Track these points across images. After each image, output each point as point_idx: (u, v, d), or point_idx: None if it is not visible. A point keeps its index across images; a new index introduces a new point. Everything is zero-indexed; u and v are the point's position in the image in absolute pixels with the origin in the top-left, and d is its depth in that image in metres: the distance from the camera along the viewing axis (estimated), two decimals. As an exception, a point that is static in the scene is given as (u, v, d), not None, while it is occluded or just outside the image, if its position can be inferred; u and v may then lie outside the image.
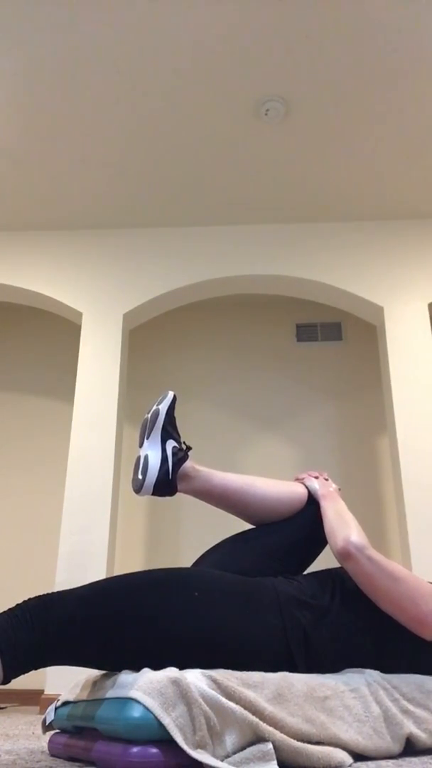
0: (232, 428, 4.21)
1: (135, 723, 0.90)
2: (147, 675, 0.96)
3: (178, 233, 3.83)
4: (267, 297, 4.45)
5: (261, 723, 0.94)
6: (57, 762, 1.10)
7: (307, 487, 1.47)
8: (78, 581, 2.87)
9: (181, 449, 1.41)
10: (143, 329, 4.50)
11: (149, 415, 1.44)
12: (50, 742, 1.20)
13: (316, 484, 1.47)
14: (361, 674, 1.15)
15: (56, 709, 1.22)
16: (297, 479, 1.53)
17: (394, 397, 3.34)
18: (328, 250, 3.72)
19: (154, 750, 0.89)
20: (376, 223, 3.77)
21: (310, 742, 0.98)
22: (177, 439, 1.43)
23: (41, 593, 1.08)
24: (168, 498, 3.96)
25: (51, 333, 4.53)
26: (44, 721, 1.26)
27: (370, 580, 1.20)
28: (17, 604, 1.03)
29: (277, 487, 1.45)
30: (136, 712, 0.91)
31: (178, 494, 1.41)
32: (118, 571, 3.62)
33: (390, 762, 1.01)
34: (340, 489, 1.50)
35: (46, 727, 1.25)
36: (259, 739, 0.94)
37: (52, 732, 1.33)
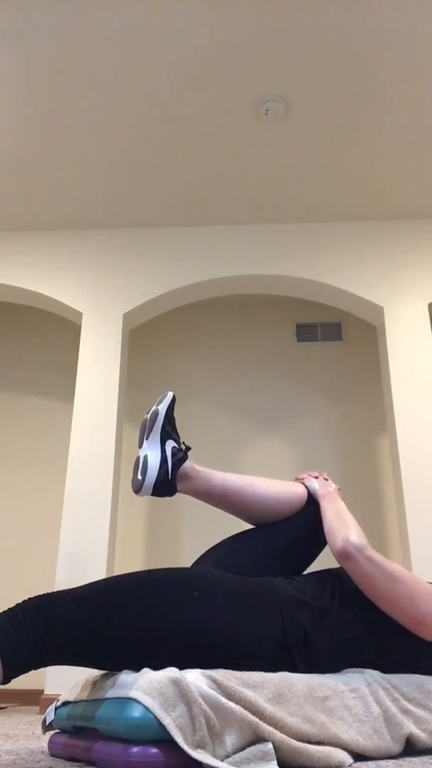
0: (232, 428, 4.21)
1: (135, 723, 0.90)
2: (147, 675, 0.96)
3: (178, 233, 3.83)
4: (267, 297, 4.45)
5: (261, 723, 0.94)
6: (57, 762, 1.10)
7: (306, 487, 1.47)
8: (78, 581, 2.87)
9: (180, 449, 1.41)
10: (143, 329, 4.50)
11: (149, 416, 1.44)
12: (50, 742, 1.20)
13: (315, 484, 1.47)
14: (361, 674, 1.15)
15: (56, 709, 1.22)
16: (297, 479, 1.53)
17: (394, 397, 3.34)
18: (328, 250, 3.72)
19: (154, 750, 0.89)
20: (376, 223, 3.77)
21: (310, 742, 0.98)
22: (176, 440, 1.42)
23: (41, 593, 1.08)
24: (168, 498, 3.95)
25: (51, 333, 4.53)
26: (44, 721, 1.26)
27: (369, 581, 1.20)
28: (17, 604, 1.03)
29: (277, 487, 1.45)
30: (136, 712, 0.91)
31: (178, 494, 1.41)
32: (118, 571, 3.62)
33: (390, 762, 1.01)
34: (339, 489, 1.50)
35: (46, 727, 1.25)
36: (259, 739, 0.94)
37: (52, 732, 1.33)
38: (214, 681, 0.96)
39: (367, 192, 3.55)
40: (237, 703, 0.95)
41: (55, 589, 3.11)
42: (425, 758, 1.05)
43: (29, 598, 1.04)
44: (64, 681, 2.84)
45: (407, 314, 3.53)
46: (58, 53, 2.72)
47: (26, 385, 4.40)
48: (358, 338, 4.42)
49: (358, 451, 4.11)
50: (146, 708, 0.91)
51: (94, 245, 3.83)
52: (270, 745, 0.92)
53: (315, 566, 1.44)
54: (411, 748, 1.09)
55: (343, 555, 1.23)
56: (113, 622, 1.03)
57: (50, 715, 1.23)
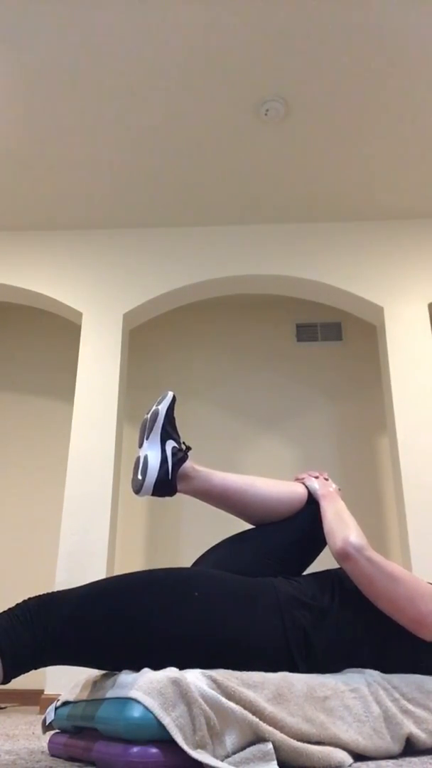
0: (232, 428, 4.21)
1: (135, 723, 0.90)
2: (147, 675, 0.96)
3: (178, 233, 3.83)
4: (267, 297, 4.45)
5: (261, 723, 0.94)
6: (57, 762, 1.10)
7: (306, 487, 1.47)
8: (78, 581, 2.87)
9: (180, 449, 1.41)
10: (143, 329, 4.50)
11: (149, 416, 1.44)
12: (50, 742, 1.20)
13: (315, 484, 1.47)
14: (361, 674, 1.15)
15: (56, 709, 1.22)
16: (297, 479, 1.53)
17: (394, 397, 3.34)
18: (328, 250, 3.72)
19: (154, 750, 0.89)
20: (376, 223, 3.77)
21: (310, 742, 0.98)
22: (177, 440, 1.42)
23: (41, 593, 1.08)
24: (168, 498, 3.96)
25: (51, 333, 4.53)
26: (44, 721, 1.26)
27: (368, 581, 1.20)
28: (17, 604, 1.03)
29: (277, 487, 1.45)
30: (136, 712, 0.91)
31: (178, 494, 1.40)
32: (118, 571, 3.62)
33: (390, 762, 1.01)
34: (340, 489, 1.50)
35: (46, 727, 1.26)
36: (259, 739, 0.94)
37: (52, 732, 1.33)
38: (214, 681, 0.96)
39: (367, 192, 3.55)
40: (237, 703, 0.95)
41: (55, 589, 3.11)
42: (425, 758, 1.05)
43: (29, 598, 1.05)
44: (64, 681, 2.84)
45: (407, 314, 3.53)
46: (58, 53, 2.72)
47: (26, 385, 4.40)
48: (358, 338, 4.42)
49: (358, 451, 4.11)
50: (146, 708, 0.91)
51: (94, 245, 3.83)
52: (270, 745, 0.92)
53: (315, 566, 1.44)
54: (411, 748, 1.09)
55: (342, 555, 1.23)
56: (113, 622, 1.03)
57: (50, 715, 1.23)
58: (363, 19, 2.57)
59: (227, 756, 0.91)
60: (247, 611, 1.13)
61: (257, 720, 0.94)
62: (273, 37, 2.65)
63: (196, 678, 0.96)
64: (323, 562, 1.51)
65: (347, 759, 0.98)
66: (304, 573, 1.38)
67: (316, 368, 4.35)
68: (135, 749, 0.89)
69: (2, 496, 4.09)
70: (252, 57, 2.74)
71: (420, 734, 1.08)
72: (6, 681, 0.99)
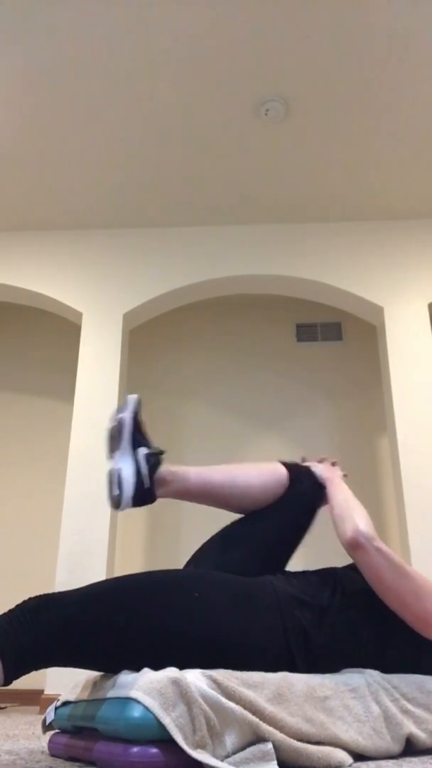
0: (232, 428, 4.21)
1: (135, 723, 0.90)
2: (147, 675, 0.96)
3: (178, 233, 3.83)
4: (267, 297, 4.45)
5: (261, 723, 0.94)
6: (57, 762, 1.10)
7: (296, 473, 1.43)
8: (78, 581, 2.88)
9: (153, 454, 1.35)
10: (143, 329, 4.50)
11: (114, 425, 1.37)
12: (50, 742, 1.20)
13: (319, 469, 1.46)
14: (361, 674, 1.15)
15: (56, 708, 1.22)
16: (302, 460, 1.53)
17: (394, 397, 3.34)
18: (328, 250, 3.72)
19: (154, 750, 0.89)
20: (376, 223, 3.77)
21: (310, 742, 0.98)
22: (148, 444, 1.36)
23: (41, 593, 1.08)
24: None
25: (51, 333, 4.53)
26: (44, 720, 1.26)
27: (377, 572, 1.19)
28: (17, 605, 1.03)
29: (258, 473, 1.40)
30: (136, 712, 0.91)
31: None
32: (118, 571, 3.62)
33: (390, 762, 1.01)
34: (346, 475, 1.49)
35: (46, 727, 1.26)
36: (259, 739, 0.94)
37: (52, 732, 1.33)
38: (214, 681, 0.97)
39: (367, 192, 3.55)
40: (237, 703, 0.95)
41: (55, 589, 3.11)
42: (425, 758, 1.05)
43: (29, 599, 1.04)
44: (64, 681, 2.84)
45: (407, 314, 3.53)
46: (58, 53, 2.72)
47: (26, 385, 4.40)
48: (358, 338, 4.42)
49: (358, 451, 4.11)
50: (146, 708, 0.91)
51: (94, 245, 3.83)
52: (270, 745, 0.92)
53: (315, 565, 1.44)
54: (411, 748, 1.09)
55: (353, 545, 1.22)
56: (113, 623, 1.03)
57: (50, 715, 1.23)
58: (363, 19, 2.57)
59: (227, 756, 0.91)
60: (246, 612, 1.12)
61: (257, 720, 0.94)
62: (273, 37, 2.65)
63: (196, 678, 0.96)
64: (324, 561, 1.51)
65: (347, 759, 0.98)
66: (304, 570, 1.38)
67: (316, 368, 4.35)
68: (135, 749, 0.89)
69: (2, 496, 4.09)
70: (252, 57, 2.74)
71: (420, 734, 1.08)
72: (7, 683, 0.98)
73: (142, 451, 1.34)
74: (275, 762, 0.90)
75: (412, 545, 3.04)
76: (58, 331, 4.51)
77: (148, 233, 3.85)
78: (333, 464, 1.50)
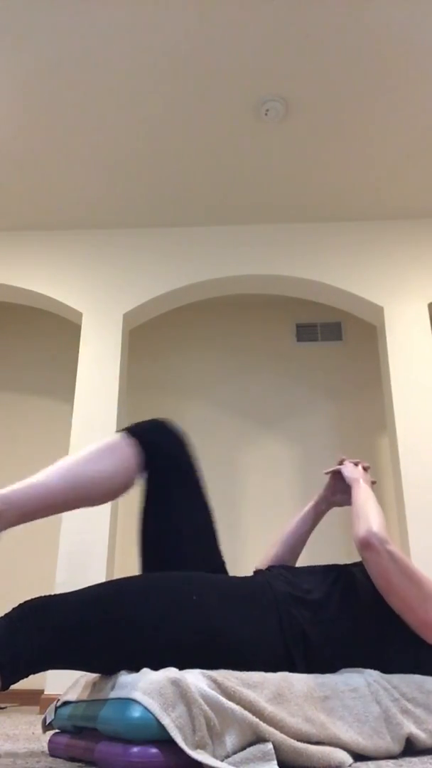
0: (232, 428, 4.21)
1: (135, 723, 0.90)
2: (147, 676, 0.96)
3: (178, 233, 3.83)
4: (267, 297, 4.45)
5: (261, 723, 0.94)
6: (57, 762, 1.10)
7: (343, 474, 1.48)
8: (78, 581, 2.88)
9: None
10: (143, 329, 4.50)
11: None
12: (50, 742, 1.20)
13: (348, 470, 1.49)
14: (361, 674, 1.15)
15: (57, 708, 1.22)
16: (340, 461, 1.55)
17: (394, 397, 3.34)
18: (328, 250, 3.72)
19: (154, 750, 0.89)
20: (376, 223, 3.77)
21: (310, 742, 0.98)
22: None
23: (41, 594, 1.08)
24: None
25: (51, 333, 4.53)
26: (44, 720, 1.26)
27: (385, 574, 1.20)
28: (14, 608, 1.03)
29: (101, 460, 1.21)
30: (136, 713, 0.91)
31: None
32: (118, 572, 3.62)
33: (390, 762, 1.01)
34: (374, 482, 1.50)
35: (46, 727, 1.26)
36: (259, 739, 0.94)
37: (52, 732, 1.33)
38: (214, 681, 0.97)
39: (367, 192, 3.55)
40: (237, 703, 0.95)
41: (55, 590, 3.11)
42: (425, 758, 1.05)
43: (25, 602, 1.04)
44: (64, 681, 2.84)
45: (407, 314, 3.53)
46: (58, 53, 2.72)
47: (26, 385, 4.40)
48: (358, 338, 4.42)
49: (358, 451, 4.11)
50: (146, 708, 0.91)
51: (94, 245, 3.83)
52: (270, 745, 0.92)
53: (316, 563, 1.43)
54: (411, 748, 1.09)
55: (364, 544, 1.23)
56: (110, 627, 1.03)
57: (50, 714, 1.23)
58: (363, 19, 2.57)
59: (227, 756, 0.92)
60: (244, 612, 1.13)
61: (257, 720, 0.94)
62: (273, 37, 2.65)
63: (196, 678, 0.96)
64: (325, 560, 1.51)
65: (347, 759, 0.98)
66: (307, 566, 1.38)
67: (316, 368, 4.35)
68: (135, 749, 0.89)
69: (2, 496, 4.09)
70: (252, 57, 2.74)
71: (420, 734, 1.08)
72: (5, 687, 0.98)
73: None
74: (275, 762, 0.90)
75: (412, 545, 3.04)
76: (58, 331, 4.51)
77: (148, 233, 3.85)
78: (365, 468, 1.52)
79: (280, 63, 2.77)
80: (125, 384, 3.67)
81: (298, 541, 1.56)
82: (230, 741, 0.92)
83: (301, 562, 2.05)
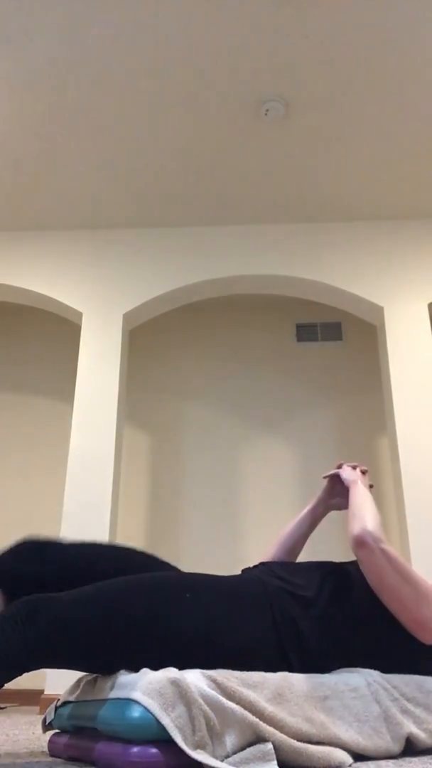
0: (232, 428, 4.21)
1: (135, 724, 0.90)
2: (147, 676, 0.96)
3: (178, 233, 3.83)
4: (267, 297, 4.45)
5: (261, 723, 0.94)
6: (57, 762, 1.10)
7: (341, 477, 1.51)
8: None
9: None
10: (143, 329, 4.50)
11: None
12: (50, 742, 1.20)
13: (345, 473, 1.51)
14: (360, 674, 1.15)
15: (57, 708, 1.22)
16: (337, 466, 1.57)
17: (394, 397, 3.34)
18: (328, 250, 3.72)
19: (154, 750, 0.89)
20: (376, 223, 3.77)
21: (310, 742, 0.98)
22: None
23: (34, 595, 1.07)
24: (167, 497, 3.96)
25: (51, 333, 4.53)
26: (44, 720, 1.26)
27: (379, 572, 1.20)
28: (8, 607, 1.03)
29: None
30: (136, 713, 0.91)
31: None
32: (118, 571, 3.62)
33: (390, 762, 1.01)
34: (372, 486, 1.51)
35: (46, 727, 1.26)
36: (259, 739, 0.94)
37: (52, 732, 1.33)
38: (214, 681, 0.97)
39: (367, 192, 3.55)
40: (237, 703, 0.95)
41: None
42: (425, 758, 1.05)
43: (19, 601, 1.04)
44: (64, 681, 2.84)
45: (407, 314, 3.53)
46: (59, 54, 2.72)
47: (26, 385, 4.40)
48: (358, 338, 4.42)
49: (358, 451, 4.11)
50: (146, 708, 0.91)
51: (94, 245, 3.83)
52: (270, 745, 0.92)
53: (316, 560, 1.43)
54: (411, 748, 1.09)
55: (358, 542, 1.23)
56: (104, 626, 1.03)
57: (50, 714, 1.23)
58: (363, 19, 2.57)
59: (227, 756, 0.92)
60: (237, 609, 1.13)
61: (257, 720, 0.94)
62: (273, 37, 2.65)
63: (196, 678, 0.96)
64: (323, 558, 1.51)
65: (347, 759, 0.98)
66: (300, 562, 1.38)
67: (316, 368, 4.35)
68: (135, 749, 0.89)
69: (2, 497, 4.09)
70: (252, 57, 2.74)
71: (420, 734, 1.08)
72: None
73: None
74: (275, 762, 0.90)
75: (412, 545, 3.04)
76: (58, 331, 4.51)
77: (148, 233, 3.85)
78: (363, 472, 1.53)
79: (280, 63, 2.77)
80: (125, 384, 3.67)
81: (296, 543, 1.57)
82: (230, 741, 0.92)
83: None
